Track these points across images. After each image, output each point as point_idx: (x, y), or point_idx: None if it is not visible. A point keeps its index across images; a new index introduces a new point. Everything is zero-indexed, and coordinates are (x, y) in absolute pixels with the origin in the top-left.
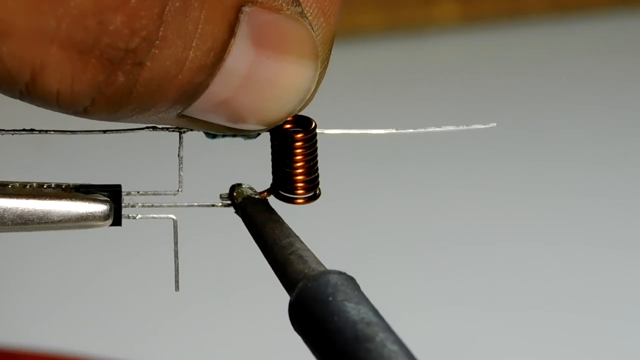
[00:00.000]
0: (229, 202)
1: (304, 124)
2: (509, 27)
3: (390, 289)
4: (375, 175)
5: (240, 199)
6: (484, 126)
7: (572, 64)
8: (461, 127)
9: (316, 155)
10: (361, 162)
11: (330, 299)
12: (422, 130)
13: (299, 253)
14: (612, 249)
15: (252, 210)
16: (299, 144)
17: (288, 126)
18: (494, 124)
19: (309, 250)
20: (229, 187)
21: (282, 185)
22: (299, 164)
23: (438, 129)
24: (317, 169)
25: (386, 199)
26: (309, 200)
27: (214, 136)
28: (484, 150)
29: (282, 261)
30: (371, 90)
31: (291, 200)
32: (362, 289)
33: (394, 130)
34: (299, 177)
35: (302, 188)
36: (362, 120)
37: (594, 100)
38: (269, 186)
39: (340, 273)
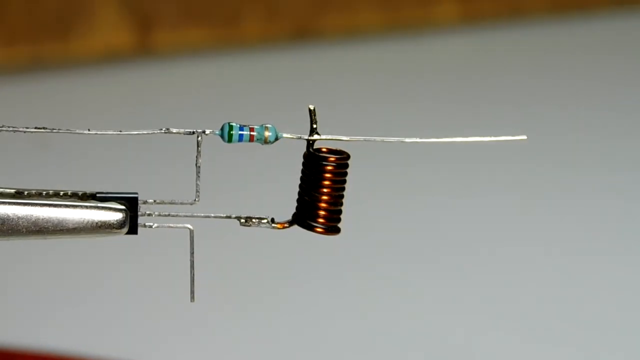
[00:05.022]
0: (248, 224)
1: (339, 153)
2: (509, 27)
3: (399, 295)
4: (381, 179)
5: None
6: (513, 138)
7: (573, 64)
8: (489, 138)
9: (344, 188)
10: (365, 167)
11: None
12: (449, 140)
13: None
14: (623, 254)
15: None
16: (329, 168)
17: (324, 149)
18: (524, 137)
19: None
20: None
21: (306, 212)
22: (326, 190)
23: (465, 139)
24: (342, 203)
25: (390, 202)
26: (329, 231)
27: (230, 139)
28: (484, 151)
29: None
30: (370, 90)
31: (312, 228)
32: (371, 295)
33: (418, 139)
34: (323, 205)
35: (325, 217)
36: (361, 120)
37: (594, 100)
38: (285, 215)
39: None
